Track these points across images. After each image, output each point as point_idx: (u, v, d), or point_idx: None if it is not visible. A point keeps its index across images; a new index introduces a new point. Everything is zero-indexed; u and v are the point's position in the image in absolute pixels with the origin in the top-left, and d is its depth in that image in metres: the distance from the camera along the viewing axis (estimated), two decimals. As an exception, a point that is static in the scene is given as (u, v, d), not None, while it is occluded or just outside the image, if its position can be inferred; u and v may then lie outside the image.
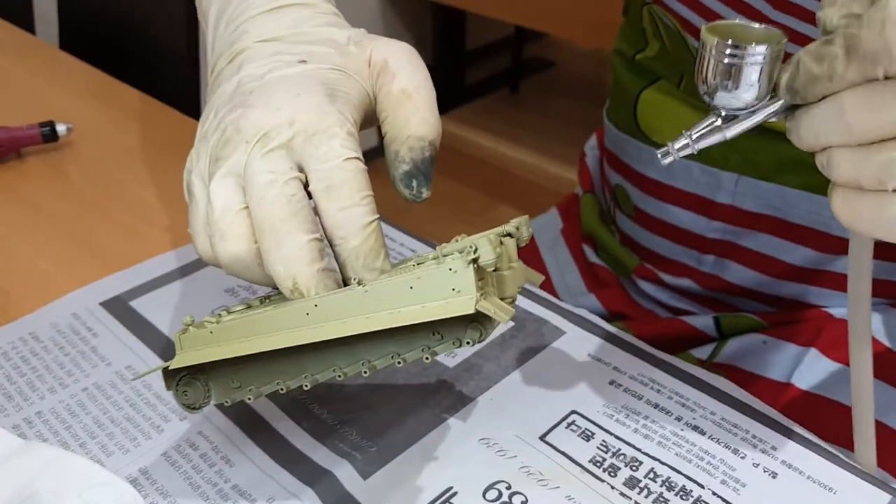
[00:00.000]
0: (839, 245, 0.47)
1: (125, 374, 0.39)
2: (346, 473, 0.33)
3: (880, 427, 0.46)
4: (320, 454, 0.34)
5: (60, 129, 0.55)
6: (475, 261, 0.27)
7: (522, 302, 0.42)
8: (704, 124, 0.29)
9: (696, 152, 0.29)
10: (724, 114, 0.28)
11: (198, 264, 0.45)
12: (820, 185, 0.48)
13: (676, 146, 0.29)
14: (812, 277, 0.49)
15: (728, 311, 0.53)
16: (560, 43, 2.06)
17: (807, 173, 0.46)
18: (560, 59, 2.04)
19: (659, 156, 0.30)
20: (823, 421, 0.47)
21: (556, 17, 1.44)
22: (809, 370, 0.49)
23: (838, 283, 0.49)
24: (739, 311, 0.52)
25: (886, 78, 0.24)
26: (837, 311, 0.50)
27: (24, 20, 0.87)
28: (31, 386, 0.38)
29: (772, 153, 0.47)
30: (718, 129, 0.29)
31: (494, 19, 1.67)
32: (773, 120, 0.28)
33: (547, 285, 0.60)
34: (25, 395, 0.37)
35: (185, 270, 0.45)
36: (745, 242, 0.50)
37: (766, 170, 0.47)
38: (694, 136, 0.29)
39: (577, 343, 0.39)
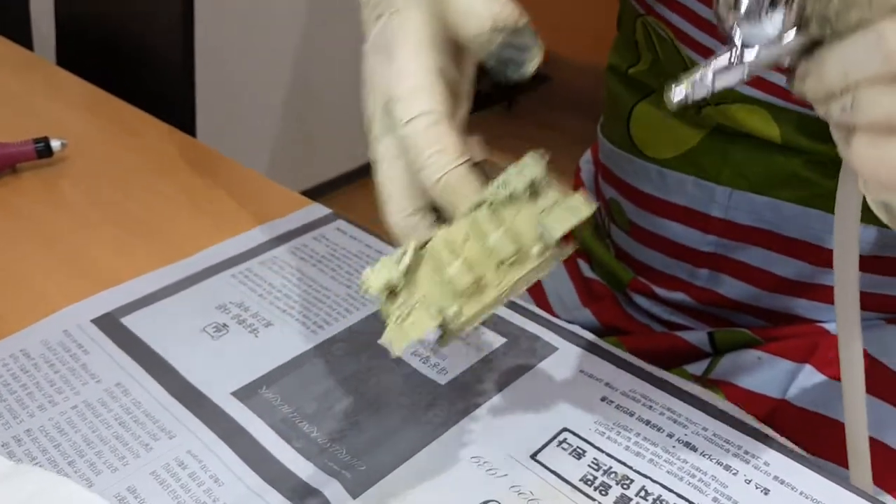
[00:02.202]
0: (831, 258, 0.47)
1: (115, 391, 0.38)
2: (335, 492, 0.33)
3: (876, 444, 0.45)
4: (310, 473, 0.34)
5: (55, 144, 0.56)
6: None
7: (515, 318, 0.42)
8: (722, 59, 0.26)
9: (710, 93, 0.26)
10: (742, 49, 0.25)
11: (189, 281, 0.45)
12: (813, 198, 0.48)
13: (691, 82, 0.26)
14: (806, 291, 0.49)
15: (723, 325, 0.52)
16: (556, 58, 2.06)
17: (800, 187, 0.46)
18: (556, 75, 2.04)
19: (671, 95, 0.27)
20: (819, 438, 0.46)
21: (551, 32, 1.45)
22: (804, 387, 0.48)
23: (832, 296, 0.49)
24: (734, 326, 0.52)
25: None
26: (832, 327, 0.50)
27: (22, 36, 0.87)
28: (20, 403, 0.38)
29: (765, 167, 0.47)
30: (737, 65, 0.26)
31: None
32: (788, 63, 0.25)
33: (541, 299, 0.60)
34: (15, 413, 0.37)
35: (176, 287, 0.45)
36: (739, 256, 0.50)
37: (760, 183, 0.47)
38: (711, 73, 0.26)
39: (569, 359, 0.39)
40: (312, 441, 0.35)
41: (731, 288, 0.51)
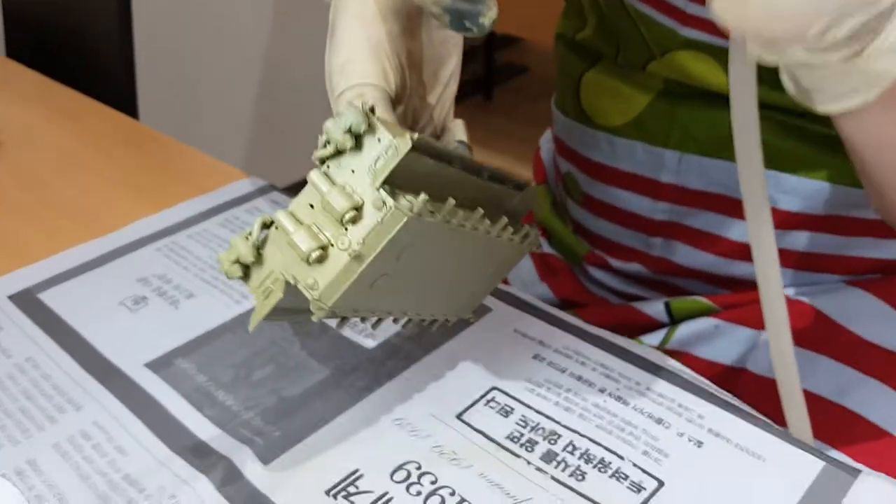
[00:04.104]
0: (788, 220, 0.46)
1: (24, 366, 0.36)
2: (244, 459, 0.31)
3: (839, 409, 0.44)
4: (219, 441, 0.32)
5: (-12, 129, 0.54)
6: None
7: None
8: None
9: None
10: None
11: (111, 255, 0.43)
12: (764, 158, 0.47)
13: None
14: (761, 254, 0.47)
15: (679, 294, 0.51)
16: (532, 48, 2.05)
17: (749, 145, 0.45)
18: (533, 64, 2.03)
19: None
20: (779, 404, 0.45)
21: (529, 22, 1.44)
22: (763, 354, 0.47)
23: (789, 260, 0.47)
24: (691, 294, 0.50)
25: None
26: (791, 291, 0.48)
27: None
28: (-77, 381, 0.36)
29: (714, 126, 0.45)
30: None
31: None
32: None
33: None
34: (-84, 391, 0.35)
35: (98, 262, 0.43)
36: (692, 222, 0.48)
37: (709, 145, 0.46)
38: None
39: (504, 319, 0.37)
40: (226, 409, 0.33)
41: (686, 256, 0.49)
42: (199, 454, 0.31)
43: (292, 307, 0.28)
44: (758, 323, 0.47)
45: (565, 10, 0.56)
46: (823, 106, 0.26)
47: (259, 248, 0.27)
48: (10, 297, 0.41)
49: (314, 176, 0.26)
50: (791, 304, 0.47)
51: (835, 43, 0.22)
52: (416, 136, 0.25)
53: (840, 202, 0.45)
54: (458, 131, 0.34)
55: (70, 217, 0.48)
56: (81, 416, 0.34)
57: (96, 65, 0.70)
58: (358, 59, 0.29)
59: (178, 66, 1.45)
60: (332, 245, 0.26)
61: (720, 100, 0.45)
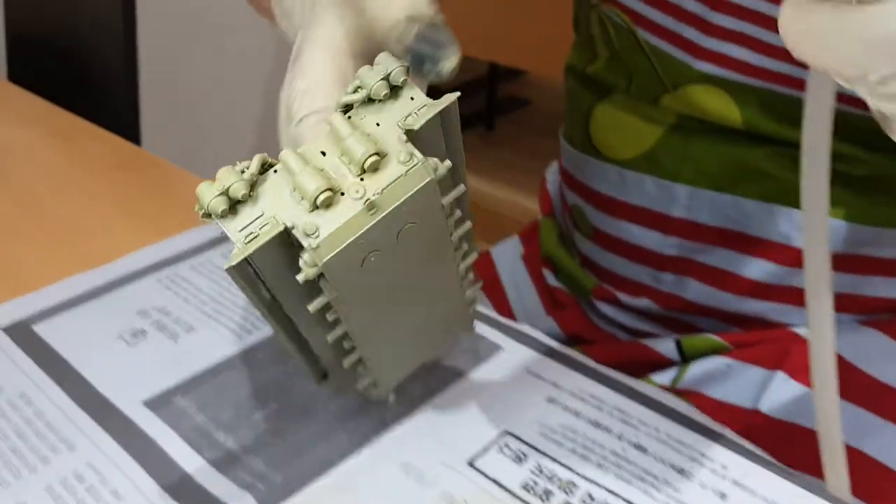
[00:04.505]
0: (800, 258, 0.45)
1: (17, 402, 0.35)
2: (245, 505, 0.29)
3: (855, 453, 0.42)
4: (219, 486, 0.30)
5: (-15, 153, 0.53)
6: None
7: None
8: None
9: None
10: None
11: (110, 286, 0.42)
12: (778, 194, 0.46)
13: None
14: (774, 293, 0.46)
15: (690, 331, 0.50)
16: (535, 81, 2.06)
17: (763, 182, 0.44)
18: (535, 97, 2.03)
19: None
20: (795, 449, 0.43)
21: (529, 54, 1.44)
22: (777, 395, 0.45)
23: (801, 299, 0.46)
24: (701, 332, 0.49)
25: None
26: (804, 331, 0.47)
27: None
28: (-89, 417, 0.34)
29: (725, 162, 0.45)
30: None
31: (468, 58, 1.67)
32: None
33: (503, 308, 0.58)
34: None
35: (96, 292, 0.41)
36: (703, 258, 0.47)
37: (721, 180, 0.45)
38: None
39: (514, 359, 0.36)
40: (226, 451, 0.32)
41: (697, 292, 0.48)
42: (198, 500, 0.30)
43: (272, 274, 0.24)
44: (770, 362, 0.46)
45: (576, 43, 0.55)
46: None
47: (253, 186, 0.23)
48: (5, 329, 0.39)
49: (336, 119, 0.24)
50: (804, 343, 0.46)
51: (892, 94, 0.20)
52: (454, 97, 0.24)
53: (856, 240, 0.45)
54: None
55: (68, 243, 0.46)
56: (75, 456, 0.32)
57: (99, 89, 0.70)
58: (322, 86, 0.28)
59: (181, 91, 1.45)
60: (343, 193, 0.23)
61: (733, 135, 0.45)
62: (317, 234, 0.23)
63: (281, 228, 0.23)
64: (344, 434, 0.33)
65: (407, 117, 0.24)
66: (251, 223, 0.23)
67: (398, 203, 0.23)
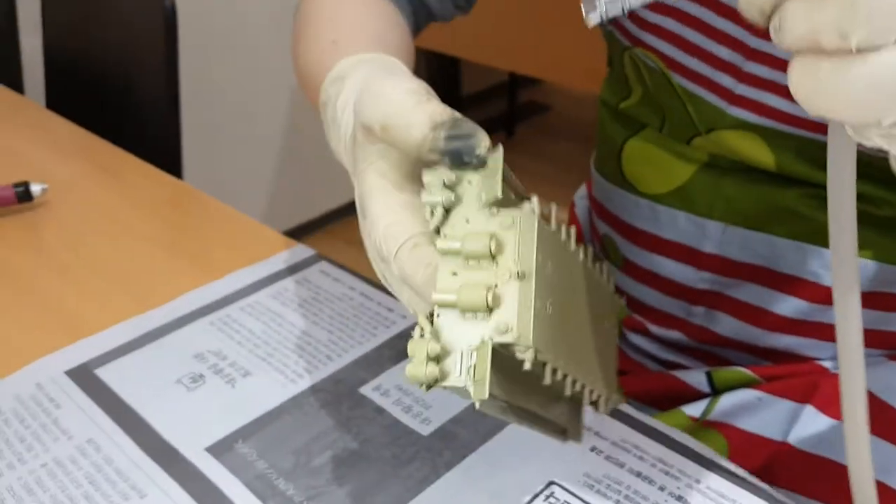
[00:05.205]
0: (830, 295, 0.46)
1: (86, 448, 0.37)
2: (310, 555, 0.31)
3: (883, 488, 0.43)
4: (284, 534, 0.32)
5: (35, 189, 0.55)
6: None
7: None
8: None
9: (624, 12, 0.25)
10: None
11: (167, 328, 0.44)
12: (808, 234, 0.47)
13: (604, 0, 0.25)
14: (804, 329, 0.47)
15: (720, 363, 0.51)
16: (555, 87, 2.07)
17: (795, 222, 0.45)
18: (555, 104, 2.04)
19: (586, 14, 0.26)
20: (823, 483, 0.45)
21: (548, 63, 1.45)
22: (806, 428, 0.47)
23: (831, 334, 0.47)
24: (732, 365, 0.50)
25: None
26: (832, 365, 0.48)
27: (12, 79, 0.87)
28: (-13, 462, 0.36)
29: (758, 201, 0.46)
30: None
31: (489, 66, 1.68)
32: None
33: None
34: (-19, 473, 0.36)
35: (153, 335, 0.43)
36: (734, 293, 0.48)
37: (753, 219, 0.46)
38: None
39: (557, 407, 0.38)
40: (289, 499, 0.34)
41: (728, 326, 0.49)
42: (265, 550, 0.32)
43: (500, 387, 0.26)
44: (800, 396, 0.48)
45: (609, 77, 0.56)
46: None
47: (436, 337, 0.26)
48: (67, 373, 0.41)
49: (442, 245, 0.27)
50: (833, 377, 0.47)
51: None
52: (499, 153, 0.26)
53: (882, 279, 0.46)
54: (515, 184, 0.35)
55: (120, 285, 0.48)
56: (145, 503, 0.34)
57: (140, 120, 0.71)
58: (397, 221, 0.30)
59: (216, 122, 1.49)
60: (497, 285, 0.25)
61: (766, 176, 0.46)
62: (509, 327, 0.25)
63: (488, 350, 0.25)
64: (398, 481, 0.34)
65: (480, 195, 0.26)
66: (460, 368, 0.25)
67: (535, 255, 0.25)
